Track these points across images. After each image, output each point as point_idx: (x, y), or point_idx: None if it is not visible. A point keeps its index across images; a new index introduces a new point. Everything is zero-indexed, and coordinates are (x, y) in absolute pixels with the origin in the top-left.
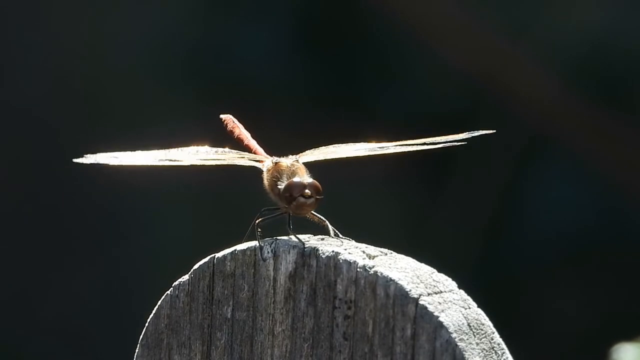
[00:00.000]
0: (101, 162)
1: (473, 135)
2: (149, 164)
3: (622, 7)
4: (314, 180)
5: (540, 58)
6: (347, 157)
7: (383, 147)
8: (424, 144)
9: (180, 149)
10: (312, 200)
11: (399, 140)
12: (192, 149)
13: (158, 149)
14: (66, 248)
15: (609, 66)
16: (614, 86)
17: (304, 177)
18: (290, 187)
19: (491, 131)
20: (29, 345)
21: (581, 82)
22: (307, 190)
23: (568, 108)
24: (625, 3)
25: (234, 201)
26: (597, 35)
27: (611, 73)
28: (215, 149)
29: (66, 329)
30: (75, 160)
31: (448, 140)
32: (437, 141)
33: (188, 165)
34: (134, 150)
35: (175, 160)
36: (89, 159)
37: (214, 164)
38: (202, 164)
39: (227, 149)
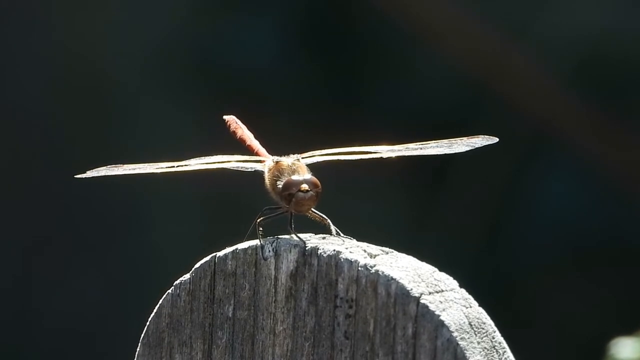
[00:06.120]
0: (102, 174)
1: (475, 146)
2: (151, 172)
3: (622, 7)
4: (312, 177)
5: (540, 58)
6: (349, 160)
7: (383, 153)
8: (426, 148)
9: (183, 162)
10: (310, 194)
11: (400, 142)
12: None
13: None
14: (68, 247)
15: (609, 66)
16: (614, 86)
17: (303, 175)
18: (288, 184)
19: (494, 140)
20: (31, 343)
21: (581, 82)
22: (304, 185)
23: (568, 108)
24: (626, 3)
25: (235, 200)
26: (597, 35)
27: (611, 73)
28: (216, 157)
29: (68, 327)
30: (77, 176)
31: (450, 150)
32: (438, 152)
33: (190, 171)
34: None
35: (177, 167)
36: (90, 173)
37: (215, 167)
38: (204, 168)
39: (225, 156)
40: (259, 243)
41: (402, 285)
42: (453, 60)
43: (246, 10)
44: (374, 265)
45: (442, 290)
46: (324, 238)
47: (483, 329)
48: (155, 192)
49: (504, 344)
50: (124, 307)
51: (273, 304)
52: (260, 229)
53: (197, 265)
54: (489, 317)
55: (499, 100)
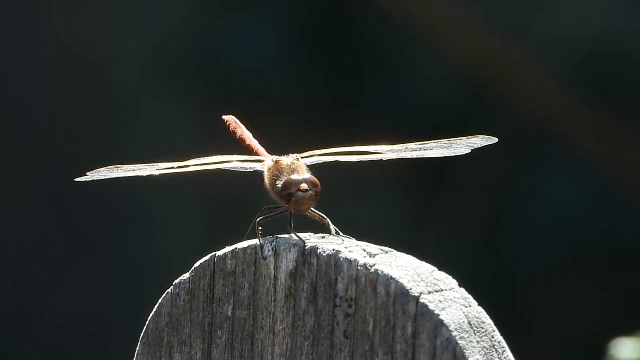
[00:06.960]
0: (102, 177)
1: (475, 147)
2: (150, 173)
3: (622, 7)
4: (312, 176)
5: (540, 58)
6: (349, 162)
7: (384, 155)
8: (426, 149)
9: (182, 162)
10: (310, 194)
11: (400, 142)
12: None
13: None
14: (68, 247)
15: (609, 66)
16: (614, 86)
17: (303, 174)
18: (288, 183)
19: (493, 140)
20: (31, 343)
21: (581, 82)
22: (303, 185)
23: (568, 108)
24: (626, 3)
25: (235, 200)
26: (598, 35)
27: (611, 73)
28: (216, 157)
29: (68, 327)
30: (77, 179)
31: (451, 152)
32: (438, 154)
33: (190, 172)
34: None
35: (176, 168)
36: (91, 175)
37: (215, 168)
38: (203, 169)
39: (225, 156)
40: (258, 242)
41: (402, 284)
42: (453, 60)
43: (246, 10)
44: (374, 265)
45: (442, 290)
46: (323, 237)
47: (482, 328)
48: (155, 192)
49: (504, 344)
50: (124, 307)
51: (273, 303)
52: (260, 228)
53: (196, 265)
54: (488, 317)
55: (499, 100)
